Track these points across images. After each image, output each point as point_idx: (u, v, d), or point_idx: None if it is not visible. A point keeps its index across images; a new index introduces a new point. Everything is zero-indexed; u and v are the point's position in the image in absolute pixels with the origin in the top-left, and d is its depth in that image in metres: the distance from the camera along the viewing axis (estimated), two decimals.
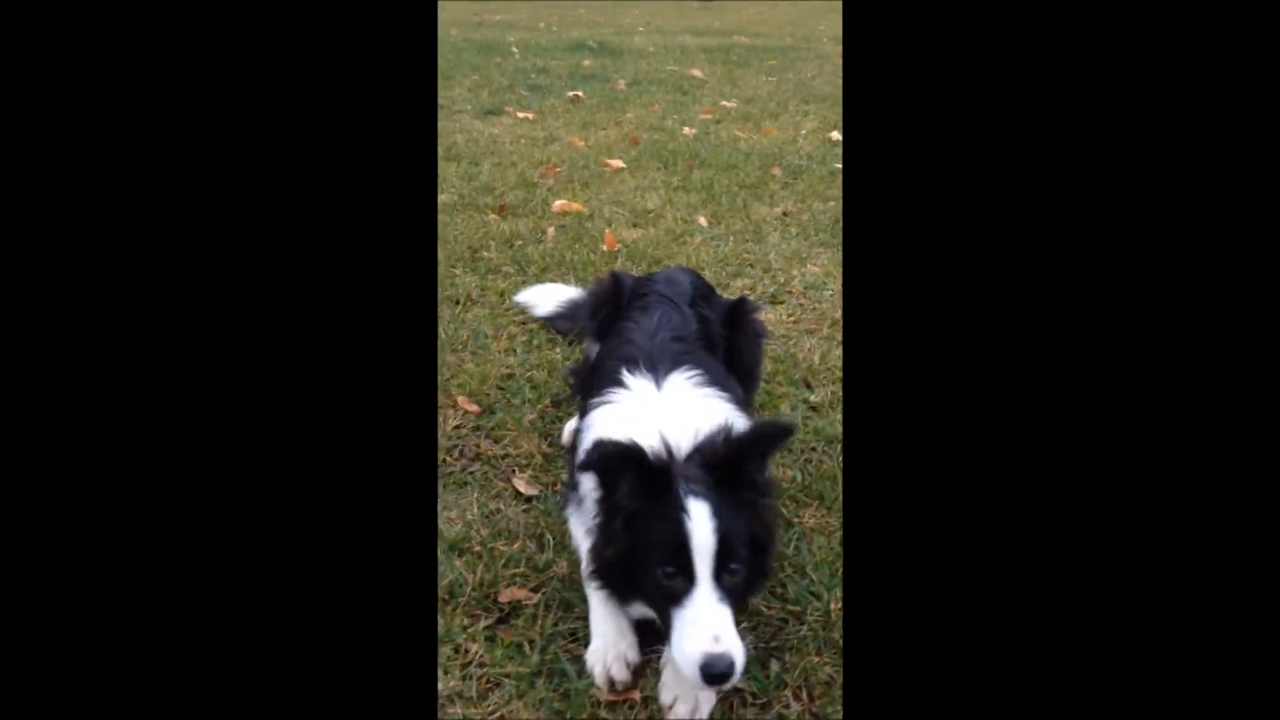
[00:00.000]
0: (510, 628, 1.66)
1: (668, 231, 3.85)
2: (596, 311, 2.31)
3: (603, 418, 1.77)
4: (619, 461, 1.47)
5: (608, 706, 1.51)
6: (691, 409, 1.72)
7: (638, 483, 1.48)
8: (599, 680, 1.53)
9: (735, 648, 1.36)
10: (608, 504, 1.52)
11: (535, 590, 1.74)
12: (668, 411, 1.70)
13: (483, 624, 1.66)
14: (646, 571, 1.44)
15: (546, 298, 2.91)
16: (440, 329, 2.75)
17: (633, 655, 1.56)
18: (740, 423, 1.68)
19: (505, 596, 1.73)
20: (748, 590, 1.53)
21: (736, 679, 1.37)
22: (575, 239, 3.70)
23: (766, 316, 3.06)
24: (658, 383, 1.82)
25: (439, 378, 2.48)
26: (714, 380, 1.87)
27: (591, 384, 1.98)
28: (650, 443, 1.51)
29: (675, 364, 1.87)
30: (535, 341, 2.78)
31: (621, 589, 1.55)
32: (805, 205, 4.34)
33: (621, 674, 1.53)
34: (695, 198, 4.38)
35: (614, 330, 2.15)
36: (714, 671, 1.33)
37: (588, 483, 1.63)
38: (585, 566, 1.64)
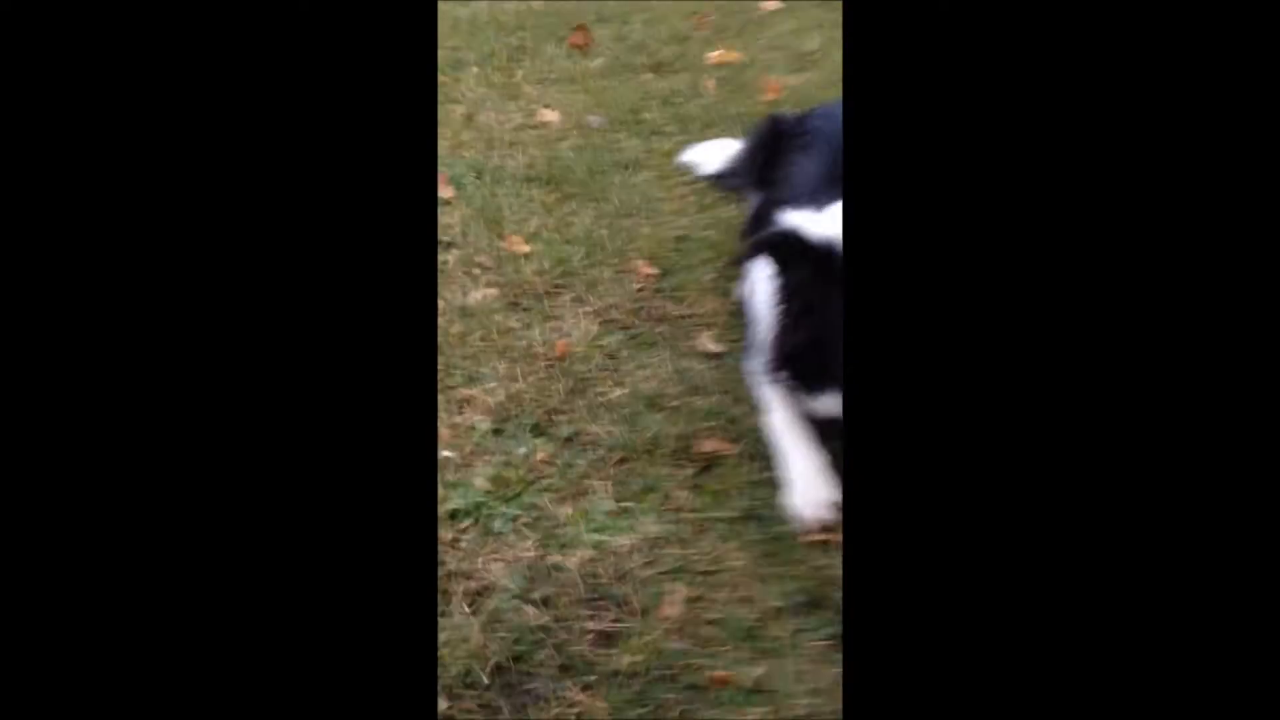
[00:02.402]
0: (713, 476, 1.75)
1: (834, 72, 3.61)
2: (755, 159, 2.23)
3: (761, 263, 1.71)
4: (789, 242, 1.43)
5: (819, 547, 1.57)
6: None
7: (812, 266, 1.44)
8: (804, 523, 1.59)
9: None
10: (786, 287, 1.49)
11: (734, 442, 1.81)
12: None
13: (686, 472, 1.75)
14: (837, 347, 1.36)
15: (712, 155, 2.85)
16: (613, 196, 2.78)
17: (831, 493, 1.60)
18: None
19: (704, 448, 1.81)
20: None
21: None
22: (735, 90, 3.56)
23: None
24: (819, 213, 1.70)
25: (617, 243, 2.52)
26: None
27: (754, 235, 1.94)
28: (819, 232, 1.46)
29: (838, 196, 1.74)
30: (706, 201, 2.75)
31: (809, 378, 1.51)
32: None
33: (822, 514, 1.58)
34: None
35: (774, 177, 2.07)
36: None
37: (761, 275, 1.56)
38: (766, 366, 1.63)
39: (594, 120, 3.18)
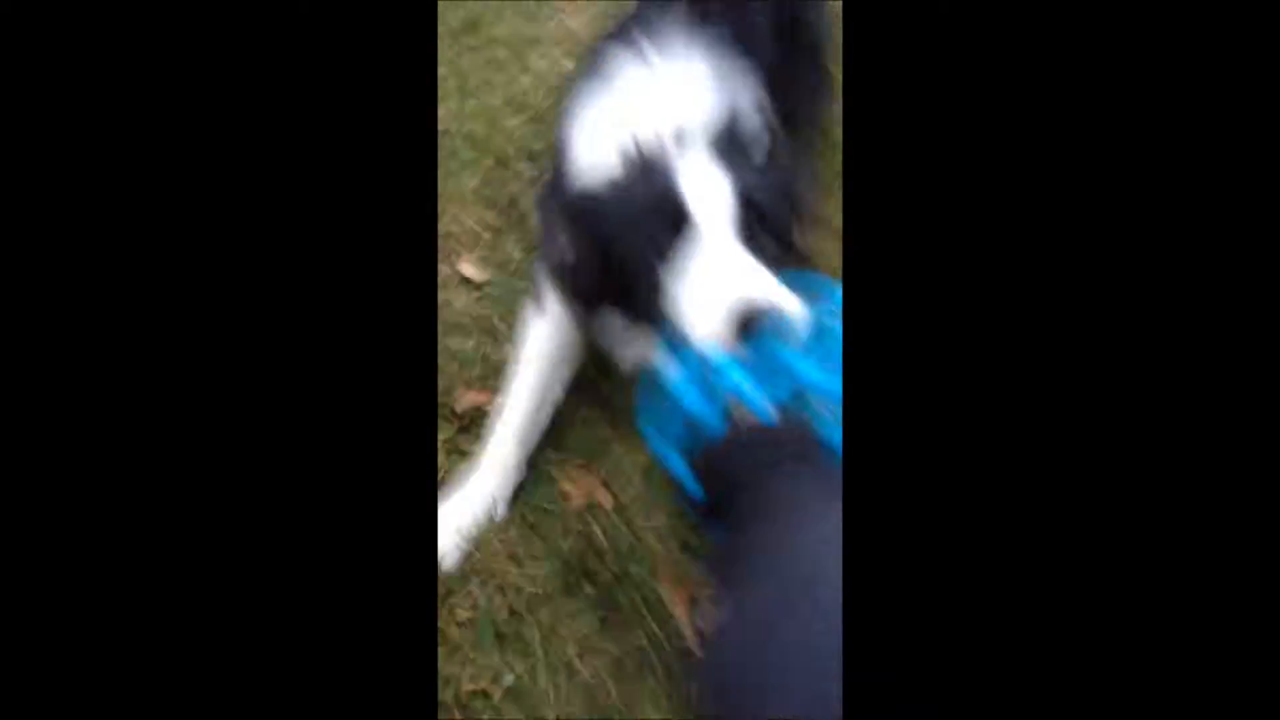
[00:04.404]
0: (470, 436, 1.55)
1: None
2: None
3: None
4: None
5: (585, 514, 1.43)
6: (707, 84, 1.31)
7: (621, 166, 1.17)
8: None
9: (775, 289, 1.08)
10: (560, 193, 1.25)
11: (497, 392, 1.61)
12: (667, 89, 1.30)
13: (442, 437, 1.54)
14: (634, 246, 1.14)
15: None
16: None
17: None
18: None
19: (463, 404, 1.59)
20: (786, 249, 1.20)
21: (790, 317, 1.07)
22: None
23: None
24: (649, 57, 1.34)
25: None
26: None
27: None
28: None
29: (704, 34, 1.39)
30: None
31: (590, 296, 1.25)
32: None
33: None
34: None
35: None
36: (746, 312, 1.03)
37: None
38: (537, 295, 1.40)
39: None
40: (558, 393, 1.50)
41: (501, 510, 1.44)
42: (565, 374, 1.49)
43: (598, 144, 1.28)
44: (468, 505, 1.41)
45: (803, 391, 1.07)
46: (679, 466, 1.12)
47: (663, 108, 1.25)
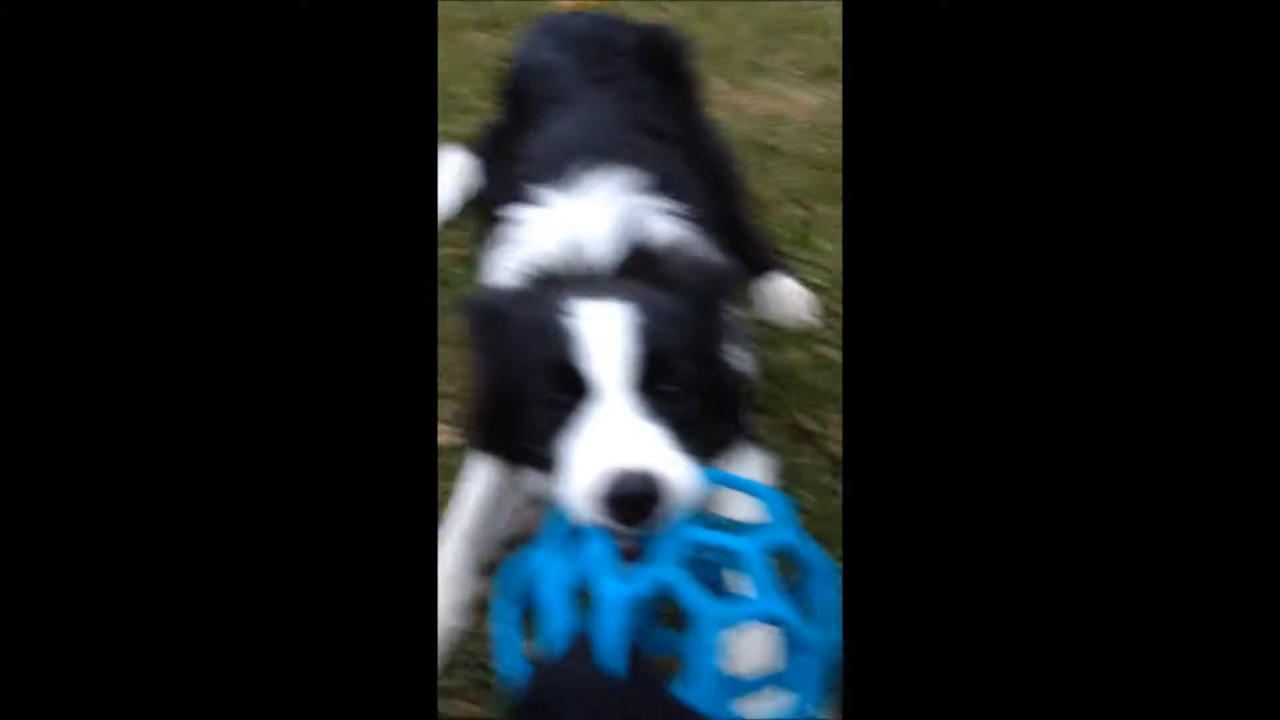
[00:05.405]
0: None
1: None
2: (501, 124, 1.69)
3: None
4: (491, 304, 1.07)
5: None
6: (621, 219, 1.19)
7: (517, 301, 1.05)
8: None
9: (662, 462, 0.89)
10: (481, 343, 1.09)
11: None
12: (581, 224, 1.18)
13: None
14: (529, 405, 0.99)
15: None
16: None
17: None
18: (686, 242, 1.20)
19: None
20: (711, 417, 1.02)
21: (674, 502, 0.87)
22: None
23: (817, 98, 2.43)
24: (569, 193, 1.25)
25: None
26: (665, 185, 1.29)
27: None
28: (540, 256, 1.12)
29: (600, 164, 1.28)
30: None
31: (507, 447, 1.10)
32: None
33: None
34: None
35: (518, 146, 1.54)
36: (619, 490, 0.85)
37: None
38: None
39: None
40: (492, 535, 1.26)
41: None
42: (507, 514, 1.28)
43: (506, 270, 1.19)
44: None
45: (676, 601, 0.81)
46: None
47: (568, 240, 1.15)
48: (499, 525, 1.26)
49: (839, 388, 1.47)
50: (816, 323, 1.64)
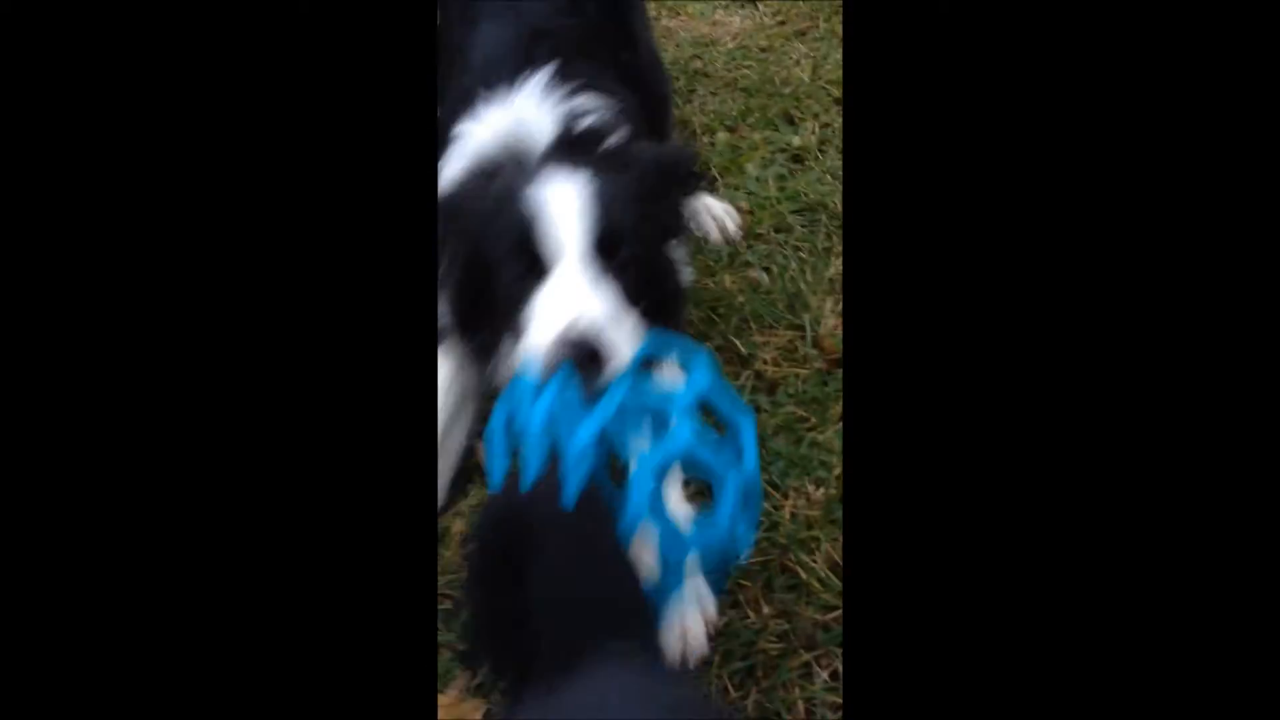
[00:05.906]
0: None
1: None
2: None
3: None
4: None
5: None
6: (559, 110, 1.27)
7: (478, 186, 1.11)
8: None
9: (610, 318, 1.00)
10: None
11: None
12: (521, 118, 1.26)
13: None
14: (495, 280, 1.08)
15: None
16: None
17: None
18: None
19: None
20: (655, 294, 1.11)
21: (619, 354, 0.98)
22: None
23: (746, 21, 2.42)
24: (504, 100, 1.28)
25: None
26: (597, 86, 1.32)
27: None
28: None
29: (532, 68, 1.31)
30: None
31: (478, 333, 1.15)
32: None
33: None
34: None
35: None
36: (571, 339, 0.97)
37: None
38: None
39: None
40: (460, 439, 1.30)
41: None
42: (468, 418, 1.32)
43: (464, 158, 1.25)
44: None
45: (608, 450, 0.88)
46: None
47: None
48: (465, 430, 1.30)
49: (769, 311, 1.51)
50: (741, 243, 1.67)
